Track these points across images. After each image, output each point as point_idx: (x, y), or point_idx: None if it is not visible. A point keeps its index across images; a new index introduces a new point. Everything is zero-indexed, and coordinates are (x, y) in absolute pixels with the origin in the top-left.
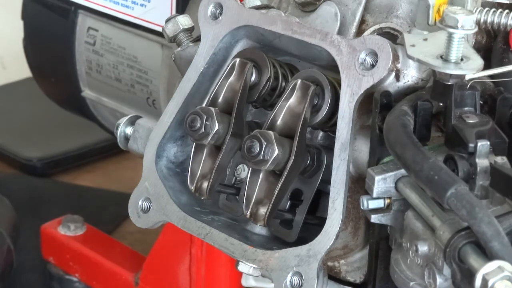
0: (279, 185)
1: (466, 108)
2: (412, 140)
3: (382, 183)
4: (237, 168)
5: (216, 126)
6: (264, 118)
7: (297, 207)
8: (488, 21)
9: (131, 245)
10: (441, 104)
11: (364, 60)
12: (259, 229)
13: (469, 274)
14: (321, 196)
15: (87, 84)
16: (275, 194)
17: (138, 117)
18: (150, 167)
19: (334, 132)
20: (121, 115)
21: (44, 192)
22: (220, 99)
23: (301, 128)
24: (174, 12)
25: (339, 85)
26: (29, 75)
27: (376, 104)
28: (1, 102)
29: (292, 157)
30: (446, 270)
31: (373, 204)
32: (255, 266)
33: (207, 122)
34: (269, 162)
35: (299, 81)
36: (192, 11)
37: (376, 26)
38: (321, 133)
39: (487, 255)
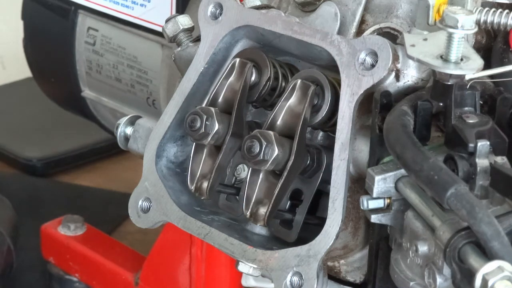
0: (279, 185)
1: (466, 108)
2: (412, 140)
3: (382, 183)
4: (237, 168)
5: (216, 126)
6: (264, 118)
7: (297, 207)
8: (488, 21)
9: (131, 245)
10: (441, 104)
11: (364, 60)
12: (259, 229)
13: (469, 274)
14: (321, 196)
15: (87, 84)
16: (275, 194)
17: (138, 117)
18: (150, 167)
19: (334, 132)
20: (121, 115)
21: (44, 192)
22: (220, 99)
23: (301, 128)
24: (174, 12)
25: (339, 85)
26: (29, 75)
27: (376, 104)
28: (1, 102)
29: (292, 157)
30: (446, 270)
31: (373, 204)
32: (255, 266)
33: (207, 122)
34: (269, 162)
35: (299, 81)
36: (192, 11)
37: (376, 26)
38: (321, 133)
39: (487, 255)
